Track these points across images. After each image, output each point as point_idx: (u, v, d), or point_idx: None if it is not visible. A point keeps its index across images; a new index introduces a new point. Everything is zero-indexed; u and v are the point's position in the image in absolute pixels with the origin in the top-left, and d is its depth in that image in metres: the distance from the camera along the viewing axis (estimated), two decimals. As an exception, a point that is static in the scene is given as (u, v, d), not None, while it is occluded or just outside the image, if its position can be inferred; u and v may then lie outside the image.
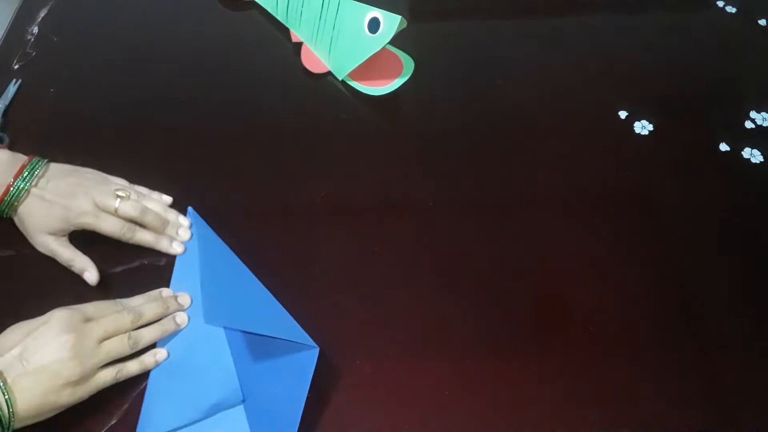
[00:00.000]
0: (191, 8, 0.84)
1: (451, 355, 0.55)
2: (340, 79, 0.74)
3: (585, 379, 0.54)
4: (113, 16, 0.83)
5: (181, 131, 0.70)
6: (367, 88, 0.73)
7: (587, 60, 0.77)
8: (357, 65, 0.71)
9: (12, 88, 0.72)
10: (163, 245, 0.59)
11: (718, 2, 0.83)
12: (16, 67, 0.75)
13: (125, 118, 0.71)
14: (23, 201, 0.56)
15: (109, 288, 0.58)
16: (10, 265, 0.59)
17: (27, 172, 0.56)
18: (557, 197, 0.65)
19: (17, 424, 0.45)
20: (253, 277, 0.57)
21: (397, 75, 0.73)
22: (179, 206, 0.63)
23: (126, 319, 0.51)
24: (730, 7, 0.82)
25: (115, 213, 0.57)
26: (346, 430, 0.51)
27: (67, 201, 0.56)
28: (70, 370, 0.46)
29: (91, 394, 0.49)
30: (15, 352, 0.46)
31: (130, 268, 0.60)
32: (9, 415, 0.44)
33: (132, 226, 0.58)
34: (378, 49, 0.69)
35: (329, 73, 0.75)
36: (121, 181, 0.61)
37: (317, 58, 0.76)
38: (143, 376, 0.53)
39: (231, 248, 0.60)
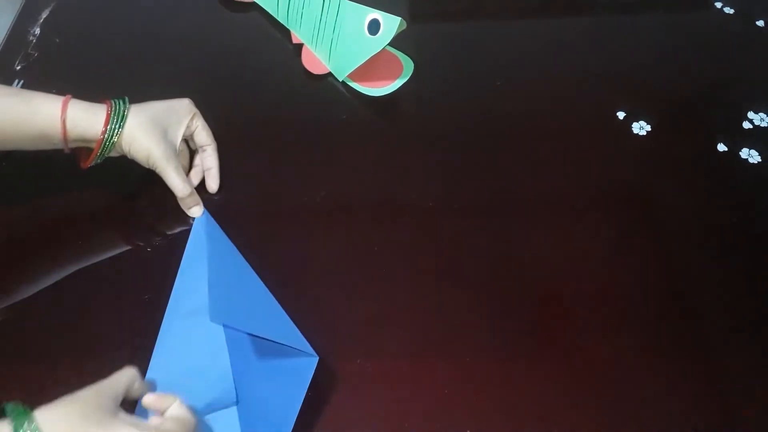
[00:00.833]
0: (192, 9, 0.84)
1: (452, 355, 0.55)
2: (341, 80, 0.75)
3: (586, 378, 0.54)
4: (114, 17, 0.83)
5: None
6: (367, 89, 0.74)
7: (586, 61, 0.77)
8: (357, 66, 0.72)
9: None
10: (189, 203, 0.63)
11: (716, 3, 0.83)
12: (18, 68, 0.76)
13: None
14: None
15: (120, 273, 0.59)
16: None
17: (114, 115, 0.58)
18: (556, 197, 0.65)
19: None
20: (260, 281, 0.57)
21: (397, 76, 0.73)
22: (176, 204, 0.63)
23: None
24: (728, 8, 0.82)
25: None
26: (347, 430, 0.51)
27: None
28: None
29: None
30: None
31: (138, 253, 0.61)
32: None
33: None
34: (378, 51, 0.69)
35: (329, 74, 0.76)
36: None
37: (318, 59, 0.76)
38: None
39: (232, 248, 0.60)
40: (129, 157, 0.60)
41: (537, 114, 0.72)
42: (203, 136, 0.65)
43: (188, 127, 0.63)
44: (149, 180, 0.63)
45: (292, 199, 0.65)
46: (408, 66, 0.74)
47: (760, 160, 0.68)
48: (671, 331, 0.56)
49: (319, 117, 0.72)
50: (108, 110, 0.58)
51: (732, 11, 0.82)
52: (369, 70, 0.72)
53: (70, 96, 0.58)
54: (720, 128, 0.70)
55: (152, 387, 0.52)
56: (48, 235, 0.63)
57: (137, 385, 0.48)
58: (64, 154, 0.60)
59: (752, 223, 0.63)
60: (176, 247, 0.61)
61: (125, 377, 0.47)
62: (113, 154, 0.60)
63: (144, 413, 0.49)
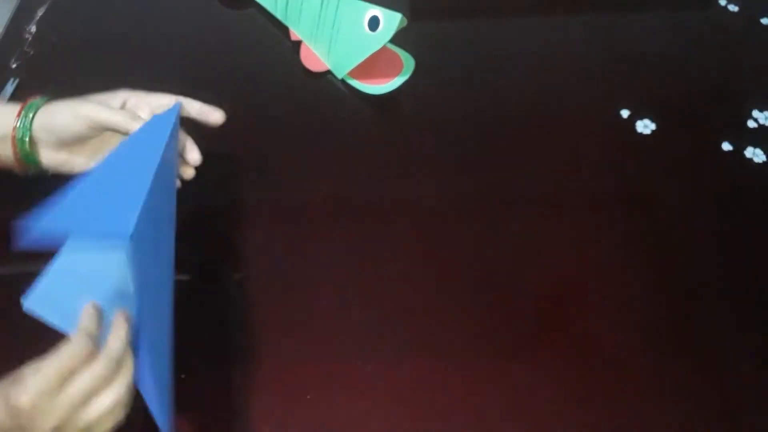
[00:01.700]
0: (190, 7, 0.84)
1: (452, 356, 0.55)
2: (340, 77, 0.74)
3: (587, 378, 0.53)
4: (111, 15, 0.83)
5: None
6: (367, 87, 0.73)
7: (589, 59, 0.77)
8: (357, 64, 0.71)
9: (9, 87, 0.72)
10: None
11: (720, 1, 0.83)
12: (14, 66, 0.75)
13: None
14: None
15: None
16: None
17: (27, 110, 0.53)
18: (559, 196, 0.65)
19: None
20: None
21: (397, 74, 0.73)
22: (178, 204, 0.63)
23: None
24: (733, 6, 0.82)
25: None
26: (347, 430, 0.51)
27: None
28: None
29: None
30: None
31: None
32: None
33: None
34: (378, 48, 0.68)
35: (329, 71, 0.75)
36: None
37: (317, 56, 0.75)
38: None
39: (227, 248, 0.60)
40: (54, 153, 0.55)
41: (539, 112, 0.72)
42: (155, 98, 0.57)
43: (114, 106, 0.55)
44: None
45: (291, 198, 0.65)
46: (408, 63, 0.73)
47: (764, 159, 0.67)
48: (673, 331, 0.56)
49: (319, 115, 0.72)
50: (23, 105, 0.54)
51: (736, 9, 0.82)
52: (369, 67, 0.72)
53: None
54: (725, 127, 0.70)
55: None
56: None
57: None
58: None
59: (757, 222, 0.63)
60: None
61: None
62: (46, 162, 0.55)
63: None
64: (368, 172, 0.67)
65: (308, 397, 0.52)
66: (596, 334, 0.56)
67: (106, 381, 0.41)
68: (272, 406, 0.52)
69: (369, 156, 0.68)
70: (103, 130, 0.54)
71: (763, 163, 0.67)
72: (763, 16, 0.81)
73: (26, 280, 0.44)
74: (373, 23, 0.68)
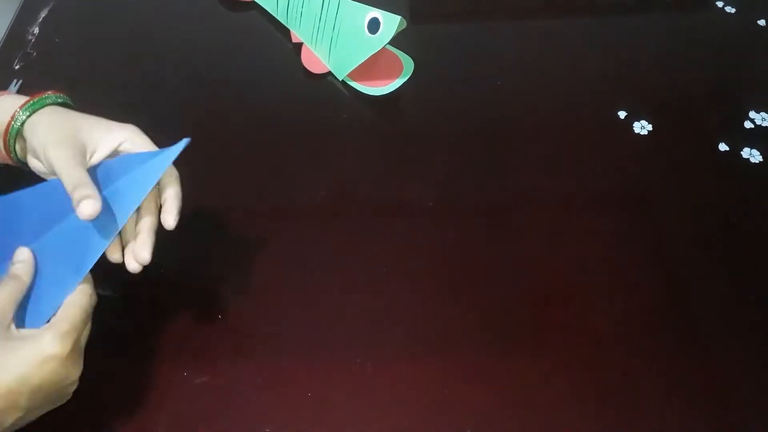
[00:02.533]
0: (191, 9, 0.84)
1: (452, 355, 0.55)
2: (340, 79, 0.75)
3: (585, 378, 0.54)
4: (114, 17, 0.83)
5: (179, 131, 0.70)
6: (367, 89, 0.73)
7: (586, 60, 0.77)
8: (357, 65, 0.71)
9: (13, 89, 0.72)
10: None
11: (717, 2, 0.83)
12: (17, 67, 0.75)
13: (125, 119, 0.71)
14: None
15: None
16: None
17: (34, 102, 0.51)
18: (556, 197, 0.65)
19: None
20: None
21: (397, 75, 0.73)
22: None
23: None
24: (730, 7, 0.82)
25: None
26: (347, 430, 0.51)
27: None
28: None
29: None
30: None
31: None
32: None
33: None
34: (378, 50, 0.69)
35: (329, 73, 0.75)
36: None
37: (317, 58, 0.76)
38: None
39: (227, 248, 0.60)
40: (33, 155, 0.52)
41: (537, 113, 0.72)
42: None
43: (109, 149, 0.51)
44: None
45: (292, 199, 0.65)
46: (408, 65, 0.74)
47: (761, 160, 0.67)
48: (672, 331, 0.56)
49: (319, 116, 0.72)
50: (29, 99, 0.52)
51: (733, 10, 0.82)
52: (369, 69, 0.72)
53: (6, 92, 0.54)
54: (721, 128, 0.70)
55: None
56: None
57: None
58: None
59: (754, 222, 0.63)
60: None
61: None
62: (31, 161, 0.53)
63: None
64: (368, 172, 0.67)
65: (308, 396, 0.52)
66: (595, 334, 0.56)
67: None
68: (272, 406, 0.52)
69: (369, 156, 0.69)
70: None
71: (760, 163, 0.67)
72: (759, 18, 0.81)
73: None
74: (373, 25, 0.68)
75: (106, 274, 0.59)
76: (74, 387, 0.46)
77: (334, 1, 0.71)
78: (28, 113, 0.51)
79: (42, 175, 0.52)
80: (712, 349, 0.55)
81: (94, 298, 0.48)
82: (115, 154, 0.52)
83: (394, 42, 0.68)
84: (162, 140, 0.69)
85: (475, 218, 0.64)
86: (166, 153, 0.51)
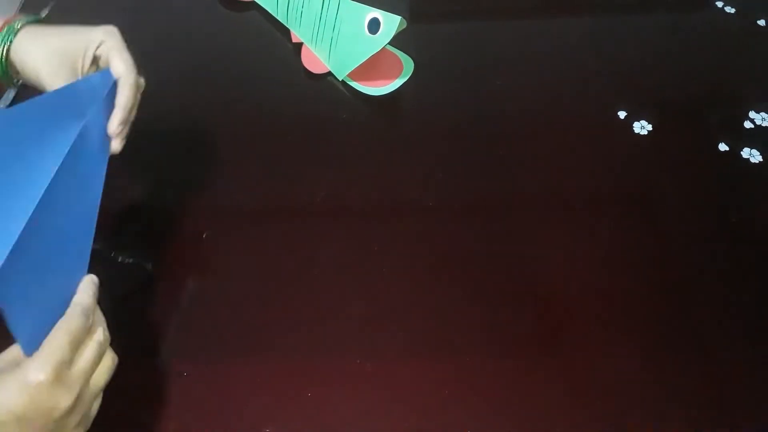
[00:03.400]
0: (191, 9, 0.84)
1: (452, 355, 0.55)
2: (341, 79, 0.75)
3: (585, 378, 0.54)
4: (113, 17, 0.83)
5: (180, 131, 0.70)
6: (367, 89, 0.73)
7: (586, 60, 0.77)
8: (357, 66, 0.71)
9: (12, 90, 0.72)
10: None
11: (717, 2, 0.83)
12: (17, 67, 0.75)
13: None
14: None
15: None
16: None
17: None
18: (557, 197, 0.65)
19: None
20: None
21: (397, 75, 0.73)
22: (179, 205, 0.63)
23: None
24: (729, 7, 0.82)
25: None
26: (346, 430, 0.51)
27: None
28: None
29: None
30: None
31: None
32: None
33: None
34: (378, 50, 0.69)
35: (329, 73, 0.75)
36: None
37: (317, 58, 0.76)
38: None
39: (228, 248, 0.60)
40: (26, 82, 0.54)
41: (537, 113, 0.72)
42: (115, 63, 0.53)
43: (92, 54, 0.54)
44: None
45: (292, 199, 0.65)
46: (408, 65, 0.74)
47: (761, 160, 0.67)
48: (672, 331, 0.56)
49: (319, 116, 0.72)
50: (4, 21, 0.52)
51: (733, 10, 0.82)
52: (369, 69, 0.72)
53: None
54: (721, 128, 0.70)
55: None
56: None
57: None
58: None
59: (753, 222, 0.63)
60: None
61: None
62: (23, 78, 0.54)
63: None
64: (368, 172, 0.67)
65: (308, 395, 0.52)
66: (595, 334, 0.56)
67: (104, 346, 0.43)
68: (272, 406, 0.52)
69: (369, 156, 0.69)
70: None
71: (760, 163, 0.67)
72: (759, 18, 0.81)
73: None
74: (373, 26, 0.68)
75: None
76: (73, 418, 0.41)
77: (335, 2, 0.71)
78: (7, 43, 0.51)
79: (33, 85, 0.53)
80: (712, 349, 0.55)
81: (85, 322, 0.42)
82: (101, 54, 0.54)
83: (394, 42, 0.68)
84: (162, 139, 0.70)
85: (474, 218, 0.64)
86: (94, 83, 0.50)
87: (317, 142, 0.70)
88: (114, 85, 0.52)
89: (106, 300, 0.54)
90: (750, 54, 0.78)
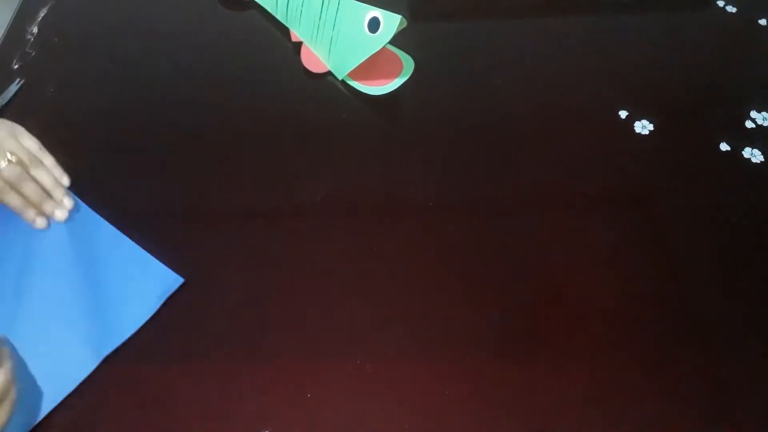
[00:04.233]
0: (191, 8, 0.84)
1: (452, 355, 0.55)
2: (340, 78, 0.74)
3: (585, 378, 0.54)
4: (113, 16, 0.83)
5: (180, 131, 0.70)
6: (367, 88, 0.73)
7: (587, 60, 0.77)
8: (357, 65, 0.71)
9: (14, 88, 0.72)
10: (29, 216, 0.59)
11: (718, 2, 0.83)
12: (16, 67, 0.75)
13: (125, 118, 0.71)
14: None
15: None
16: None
17: None
18: (557, 197, 0.65)
19: None
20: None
21: (397, 75, 0.73)
22: (178, 204, 0.63)
23: None
24: (731, 6, 0.82)
25: None
26: (346, 430, 0.51)
27: None
28: None
29: None
30: None
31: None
32: None
33: (5, 186, 0.58)
34: (378, 49, 0.68)
35: (329, 72, 0.75)
36: (28, 142, 0.61)
37: (317, 57, 0.76)
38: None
39: (229, 248, 0.60)
40: None
41: (538, 113, 0.72)
42: (29, 145, 0.61)
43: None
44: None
45: (292, 199, 0.65)
46: (408, 65, 0.74)
47: (762, 160, 0.67)
48: (672, 331, 0.56)
49: (319, 116, 0.72)
50: None
51: (734, 10, 0.82)
52: (369, 68, 0.72)
53: None
54: (723, 127, 0.70)
55: None
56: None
57: None
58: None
59: (755, 222, 0.63)
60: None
61: None
62: None
63: None
64: (368, 171, 0.67)
65: (308, 396, 0.52)
66: (596, 334, 0.56)
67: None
68: (272, 406, 0.52)
69: (369, 156, 0.68)
70: None
71: (761, 163, 0.67)
72: (760, 17, 0.81)
73: None
74: (373, 25, 0.68)
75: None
76: None
77: (334, 1, 0.71)
78: None
79: None
80: (713, 348, 0.55)
81: None
82: None
83: (394, 41, 0.68)
84: (161, 138, 0.70)
85: (475, 218, 0.64)
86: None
87: (317, 142, 0.69)
88: None
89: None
90: (751, 54, 0.78)
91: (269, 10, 0.81)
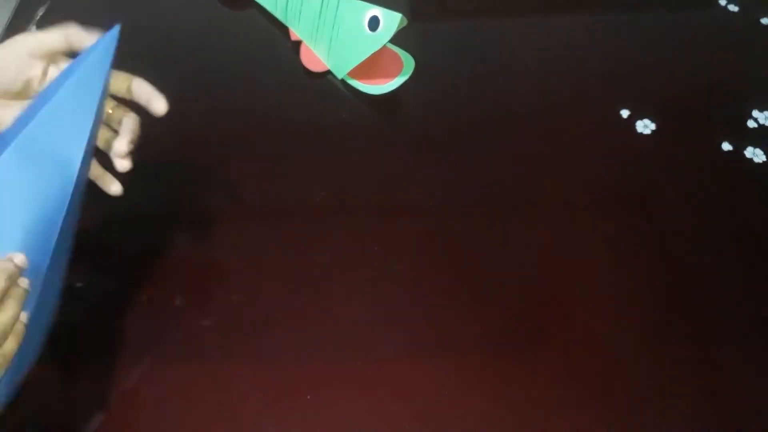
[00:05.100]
0: (190, 7, 0.84)
1: (452, 356, 0.55)
2: (340, 78, 0.74)
3: (585, 379, 0.53)
4: (111, 15, 0.83)
5: (179, 131, 0.70)
6: (367, 87, 0.73)
7: (589, 59, 0.77)
8: (357, 64, 0.71)
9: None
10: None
11: (720, 1, 0.83)
12: (14, 65, 0.75)
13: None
14: None
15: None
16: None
17: None
18: (558, 196, 0.65)
19: None
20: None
21: (398, 74, 0.73)
22: (177, 204, 0.63)
23: None
24: (733, 5, 0.82)
25: None
26: (346, 430, 0.51)
27: None
28: None
29: None
30: None
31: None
32: None
33: None
34: (378, 48, 0.68)
35: (329, 71, 0.75)
36: None
37: (317, 56, 0.75)
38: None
39: (229, 249, 0.60)
40: None
41: (539, 112, 0.72)
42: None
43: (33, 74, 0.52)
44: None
45: (291, 198, 0.65)
46: (409, 64, 0.73)
47: (765, 159, 0.67)
48: (673, 331, 0.56)
49: (318, 115, 0.72)
50: None
51: (737, 9, 0.82)
52: (369, 67, 0.72)
53: None
54: (725, 127, 0.70)
55: None
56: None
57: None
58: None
59: (757, 222, 0.63)
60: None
61: None
62: None
63: None
64: (368, 171, 0.67)
65: (308, 397, 0.52)
66: (596, 334, 0.56)
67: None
68: (272, 406, 0.52)
69: (369, 155, 0.68)
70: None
71: (763, 163, 0.67)
72: (763, 16, 0.81)
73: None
74: (373, 23, 0.68)
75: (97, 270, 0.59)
76: None
77: (334, -1, 0.71)
78: None
79: None
80: (714, 349, 0.55)
81: None
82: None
83: (394, 40, 0.68)
84: (160, 138, 0.69)
85: (475, 218, 0.63)
86: (99, 49, 0.49)
87: (316, 142, 0.69)
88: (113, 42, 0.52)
89: (105, 298, 0.54)
90: (753, 53, 0.78)
91: (268, 8, 0.80)
